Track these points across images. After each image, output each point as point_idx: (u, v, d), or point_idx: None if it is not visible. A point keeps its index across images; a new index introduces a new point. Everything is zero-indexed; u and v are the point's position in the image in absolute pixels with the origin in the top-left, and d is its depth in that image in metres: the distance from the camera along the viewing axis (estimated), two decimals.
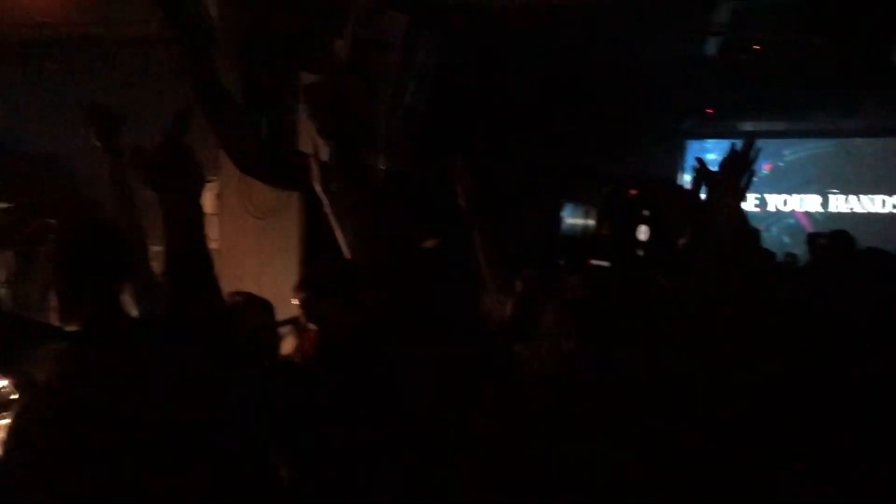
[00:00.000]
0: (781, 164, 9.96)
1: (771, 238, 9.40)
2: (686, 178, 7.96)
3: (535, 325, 1.95)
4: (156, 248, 2.58)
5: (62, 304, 1.81)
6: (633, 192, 2.17)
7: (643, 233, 2.10)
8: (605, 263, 2.08)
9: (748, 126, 9.01)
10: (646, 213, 2.10)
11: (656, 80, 6.53)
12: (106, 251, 1.88)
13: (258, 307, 2.53)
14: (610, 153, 6.87)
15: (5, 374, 2.08)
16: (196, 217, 1.49)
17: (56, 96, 5.20)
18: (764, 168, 9.69)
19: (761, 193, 9.90)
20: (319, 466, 1.63)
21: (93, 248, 1.87)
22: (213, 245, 5.55)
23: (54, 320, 1.86)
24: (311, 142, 2.26)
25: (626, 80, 6.37)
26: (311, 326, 2.22)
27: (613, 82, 6.41)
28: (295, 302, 2.32)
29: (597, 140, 6.97)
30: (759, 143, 1.93)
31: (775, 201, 10.03)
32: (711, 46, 5.69)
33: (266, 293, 2.85)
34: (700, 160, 2.00)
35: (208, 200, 5.49)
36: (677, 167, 9.08)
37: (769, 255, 1.71)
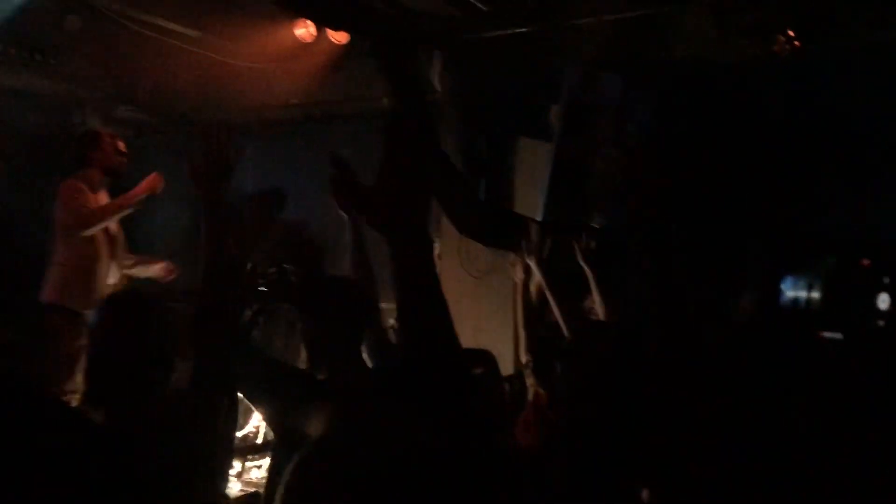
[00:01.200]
0: None
1: None
2: None
3: None
4: (386, 305, 2.78)
5: (310, 355, 2.02)
6: (867, 261, 2.02)
7: (884, 302, 1.94)
8: (837, 336, 1.94)
9: None
10: (886, 279, 1.94)
11: None
12: (346, 307, 2.08)
13: (482, 360, 2.61)
14: (846, 206, 6.34)
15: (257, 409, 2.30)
16: (426, 264, 1.44)
17: (299, 167, 5.78)
18: None
19: None
20: None
21: (334, 305, 2.08)
22: None
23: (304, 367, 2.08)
24: (527, 207, 2.33)
25: (867, 128, 5.89)
26: (540, 390, 2.27)
27: (850, 131, 5.95)
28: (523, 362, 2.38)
29: (830, 193, 6.48)
30: None
31: None
32: None
33: None
34: None
35: None
36: None
37: None
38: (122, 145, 4.54)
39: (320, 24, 4.79)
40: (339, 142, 5.41)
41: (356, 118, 5.54)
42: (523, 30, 4.58)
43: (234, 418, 1.97)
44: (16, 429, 1.23)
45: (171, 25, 4.73)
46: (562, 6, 4.43)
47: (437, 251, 5.55)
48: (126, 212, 4.36)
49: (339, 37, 4.89)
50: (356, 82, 5.08)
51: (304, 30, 4.86)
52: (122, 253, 4.61)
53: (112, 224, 4.47)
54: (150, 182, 4.34)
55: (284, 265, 2.64)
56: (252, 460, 4.23)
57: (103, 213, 4.33)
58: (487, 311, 5.09)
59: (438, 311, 1.38)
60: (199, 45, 4.91)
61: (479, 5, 4.34)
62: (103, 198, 4.46)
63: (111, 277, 4.49)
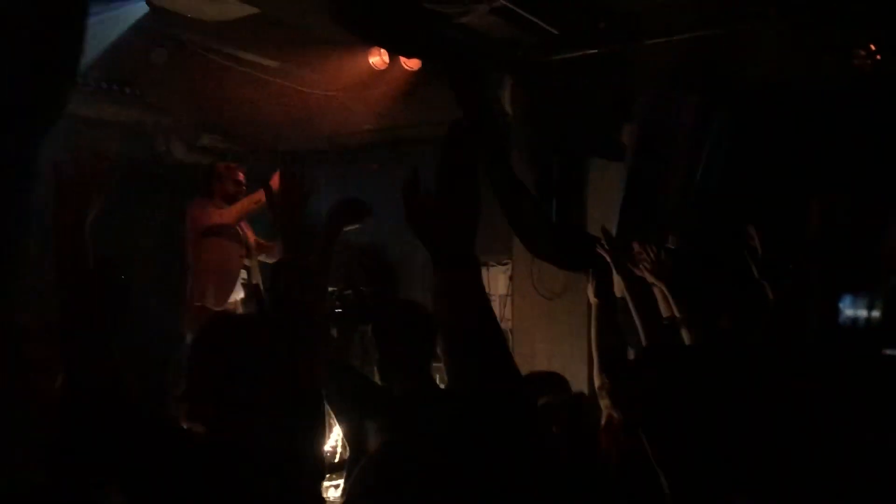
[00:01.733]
0: None
1: None
2: None
3: None
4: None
5: (382, 376, 2.09)
6: None
7: None
8: None
9: None
10: None
11: None
12: (417, 330, 2.14)
13: (555, 384, 2.62)
14: None
15: (340, 421, 2.36)
16: (476, 286, 1.38)
17: (372, 192, 5.88)
18: None
19: None
20: None
21: (406, 328, 2.14)
22: (506, 325, 5.73)
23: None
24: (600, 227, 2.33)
25: None
26: (614, 413, 2.26)
27: None
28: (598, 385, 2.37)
29: None
30: None
31: None
32: None
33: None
34: None
35: (501, 282, 5.80)
36: None
37: None
38: (241, 176, 5.00)
39: (393, 52, 4.91)
40: (412, 166, 5.49)
41: (429, 143, 5.61)
42: (594, 51, 4.58)
43: (322, 432, 2.03)
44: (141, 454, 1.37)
45: (252, 57, 4.91)
46: (633, 27, 4.41)
47: (508, 273, 5.57)
48: (258, 204, 4.67)
49: (412, 64, 5.00)
50: (429, 108, 5.17)
51: (378, 58, 4.98)
52: (259, 247, 4.98)
53: (245, 227, 4.90)
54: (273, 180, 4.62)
55: (360, 287, 2.70)
56: (329, 480, 4.28)
57: (238, 206, 4.79)
58: (561, 332, 5.07)
59: (488, 336, 1.32)
60: (277, 75, 5.09)
61: (550, 28, 4.37)
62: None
63: (253, 276, 4.88)
